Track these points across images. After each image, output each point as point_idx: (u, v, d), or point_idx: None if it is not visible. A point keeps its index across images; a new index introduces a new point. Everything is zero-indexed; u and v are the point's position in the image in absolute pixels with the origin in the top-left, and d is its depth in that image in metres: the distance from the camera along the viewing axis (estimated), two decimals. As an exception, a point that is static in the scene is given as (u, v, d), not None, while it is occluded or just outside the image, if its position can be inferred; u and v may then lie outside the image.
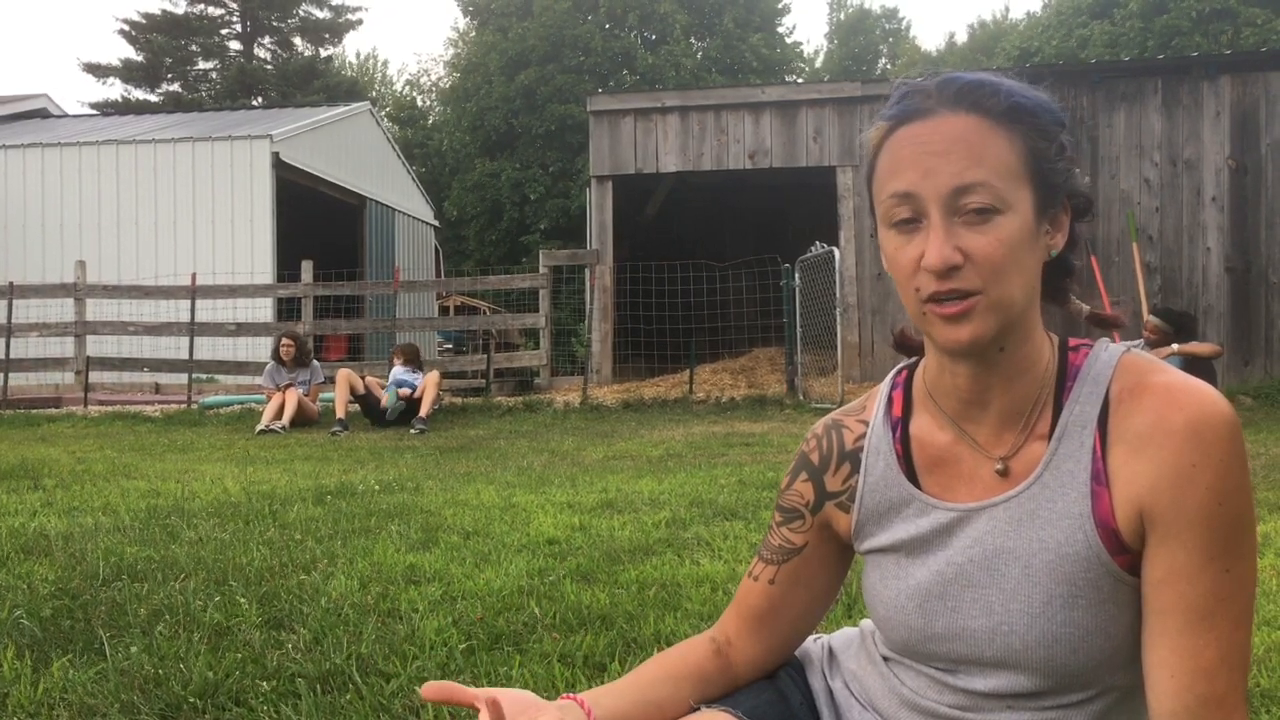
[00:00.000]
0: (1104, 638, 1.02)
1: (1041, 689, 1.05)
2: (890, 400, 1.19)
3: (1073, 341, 1.10)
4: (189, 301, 12.16)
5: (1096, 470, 1.02)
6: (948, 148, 1.00)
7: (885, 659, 1.20)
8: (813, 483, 1.21)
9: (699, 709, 1.21)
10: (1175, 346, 7.89)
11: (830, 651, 1.30)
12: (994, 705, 1.07)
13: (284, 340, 10.05)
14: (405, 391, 9.33)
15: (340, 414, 9.09)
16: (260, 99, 31.91)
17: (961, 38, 46.72)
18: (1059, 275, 1.10)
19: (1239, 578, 0.97)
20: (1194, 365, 7.59)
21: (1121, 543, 1.01)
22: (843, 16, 45.32)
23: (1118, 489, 1.01)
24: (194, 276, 12.55)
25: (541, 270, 12.31)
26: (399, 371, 9.70)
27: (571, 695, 1.17)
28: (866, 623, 1.27)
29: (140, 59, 33.10)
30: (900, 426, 1.16)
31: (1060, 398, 1.06)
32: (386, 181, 21.15)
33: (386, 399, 9.28)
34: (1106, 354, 1.07)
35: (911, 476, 1.14)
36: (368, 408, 9.46)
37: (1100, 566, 1.01)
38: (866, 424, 1.19)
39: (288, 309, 14.64)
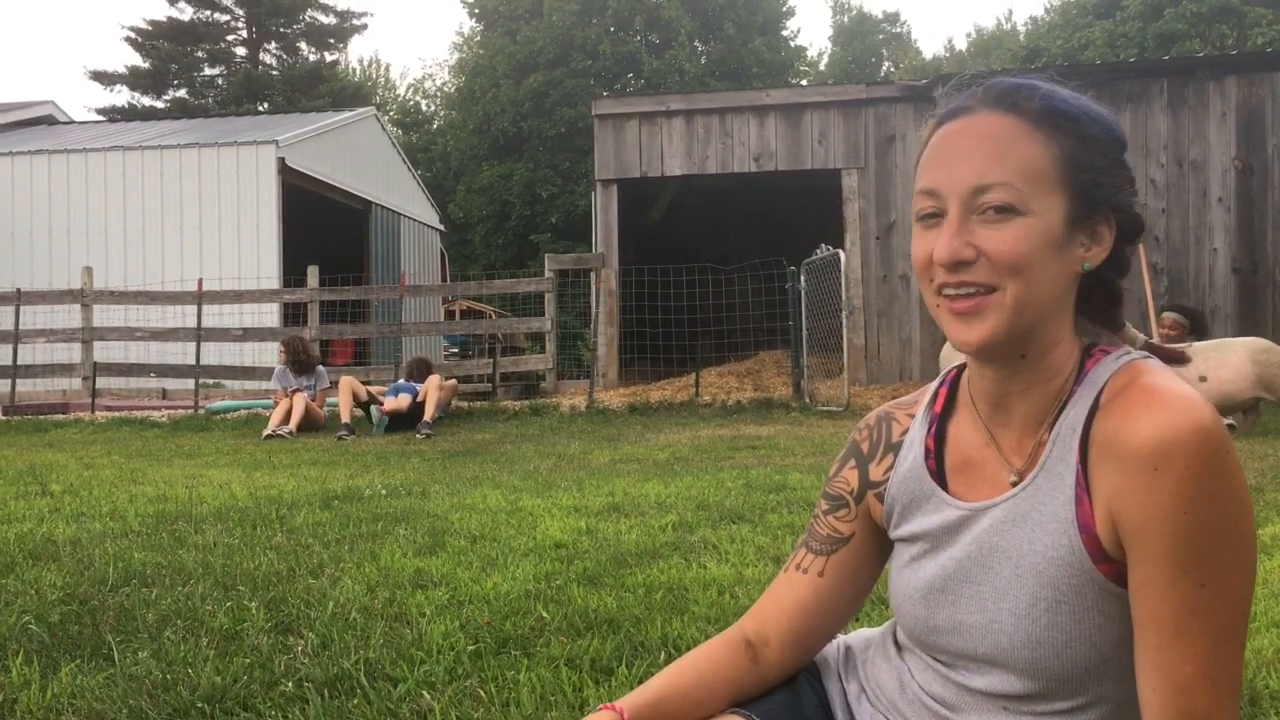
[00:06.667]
0: (1088, 646, 1.01)
1: (1032, 692, 1.04)
2: (935, 396, 1.20)
3: (1098, 349, 1.09)
4: (195, 307, 12.17)
5: (1079, 475, 1.02)
6: (974, 146, 1.02)
7: (900, 649, 1.21)
8: (859, 470, 1.23)
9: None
10: (1193, 344, 7.87)
11: (847, 653, 1.29)
12: (991, 705, 1.08)
13: (280, 347, 10.12)
14: (405, 398, 9.33)
15: (345, 419, 9.11)
16: (266, 105, 31.97)
17: (960, 43, 46.77)
18: (1097, 293, 1.09)
19: (1217, 591, 0.93)
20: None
21: (1103, 550, 1.00)
22: (845, 20, 45.31)
23: (1095, 494, 1.00)
24: (200, 282, 12.56)
25: (547, 274, 12.31)
26: (403, 380, 9.75)
27: (610, 705, 1.16)
28: (889, 624, 1.28)
29: (146, 66, 33.17)
30: (937, 423, 1.17)
31: (1068, 403, 1.06)
32: (392, 186, 21.18)
33: (380, 412, 9.28)
34: (1112, 358, 1.06)
35: (940, 472, 1.14)
36: (370, 414, 9.48)
37: (1083, 574, 1.00)
38: (913, 417, 1.21)
39: (294, 314, 14.67)
